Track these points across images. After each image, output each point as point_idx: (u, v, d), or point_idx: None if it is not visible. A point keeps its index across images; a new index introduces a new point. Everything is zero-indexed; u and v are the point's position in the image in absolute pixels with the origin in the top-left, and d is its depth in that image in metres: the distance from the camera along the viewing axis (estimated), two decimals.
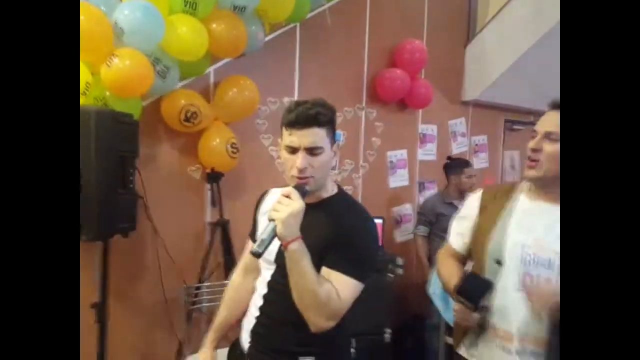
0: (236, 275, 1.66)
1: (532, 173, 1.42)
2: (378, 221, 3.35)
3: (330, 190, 1.41)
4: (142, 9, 2.13)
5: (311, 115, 1.27)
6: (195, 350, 2.65)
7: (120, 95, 2.23)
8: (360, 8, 3.48)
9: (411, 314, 3.65)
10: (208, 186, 2.77)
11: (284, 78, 3.11)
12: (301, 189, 1.27)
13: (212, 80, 2.78)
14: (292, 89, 3.14)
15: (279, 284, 1.32)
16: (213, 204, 2.77)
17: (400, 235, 3.92)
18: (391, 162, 3.81)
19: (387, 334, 3.12)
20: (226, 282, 2.78)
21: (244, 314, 1.53)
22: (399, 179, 3.88)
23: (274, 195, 1.50)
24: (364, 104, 3.55)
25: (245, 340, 1.46)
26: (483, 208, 1.55)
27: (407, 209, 3.96)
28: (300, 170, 1.28)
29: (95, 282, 2.30)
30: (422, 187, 4.09)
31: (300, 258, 1.21)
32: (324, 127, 1.29)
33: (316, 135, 1.28)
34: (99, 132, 1.99)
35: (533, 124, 4.51)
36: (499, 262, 1.43)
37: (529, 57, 3.81)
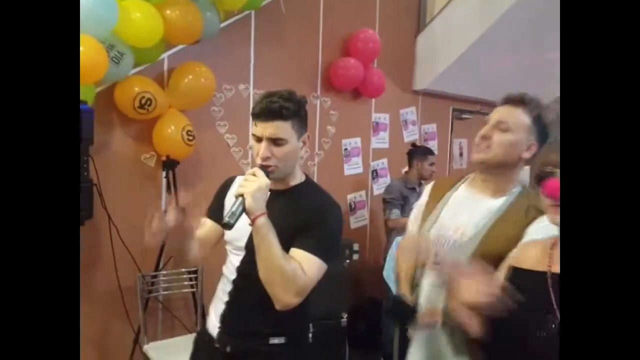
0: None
1: (480, 156, 1.46)
2: None
3: (299, 178, 1.48)
4: None
5: (274, 109, 1.34)
6: (152, 338, 2.66)
7: None
8: None
9: (366, 298, 3.77)
10: (163, 174, 2.75)
11: (240, 65, 3.11)
12: (265, 170, 1.34)
13: (166, 66, 2.74)
14: (247, 76, 3.15)
15: (249, 269, 1.36)
16: (169, 191, 2.75)
17: (355, 222, 4.02)
18: (346, 149, 3.89)
19: (344, 319, 3.21)
20: (183, 269, 2.79)
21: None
22: (353, 167, 3.97)
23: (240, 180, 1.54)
24: (318, 93, 3.60)
25: (214, 326, 1.48)
26: (430, 197, 1.62)
27: (361, 195, 4.07)
28: (263, 159, 1.36)
29: None
30: (375, 174, 4.21)
31: (267, 232, 1.27)
32: (288, 120, 1.36)
33: (278, 128, 1.35)
34: None
35: (480, 113, 4.67)
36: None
37: (477, 48, 3.95)
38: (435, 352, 1.44)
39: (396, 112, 4.32)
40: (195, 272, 2.79)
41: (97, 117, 2.28)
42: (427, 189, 1.69)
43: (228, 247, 1.50)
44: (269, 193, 1.32)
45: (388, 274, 3.02)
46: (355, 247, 3.29)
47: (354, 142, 3.96)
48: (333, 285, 3.10)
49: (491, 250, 1.36)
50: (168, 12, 2.41)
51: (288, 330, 1.44)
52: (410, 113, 4.46)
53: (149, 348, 2.56)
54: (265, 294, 1.31)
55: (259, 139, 1.38)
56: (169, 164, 2.69)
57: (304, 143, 1.44)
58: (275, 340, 1.42)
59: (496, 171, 1.47)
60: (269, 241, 1.27)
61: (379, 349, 3.44)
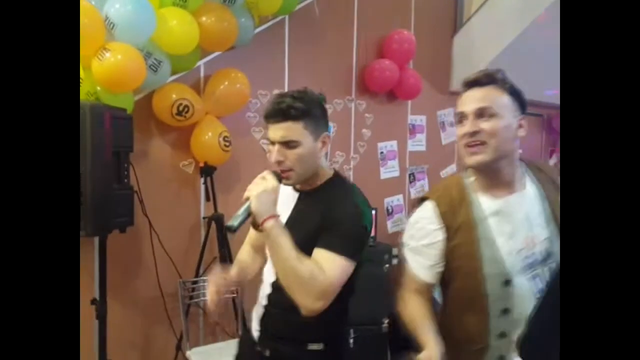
0: (243, 253, 1.63)
1: (478, 158, 1.25)
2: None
3: (325, 176, 1.41)
4: (133, 2, 2.12)
5: (282, 109, 1.29)
6: (194, 344, 2.67)
7: (112, 90, 2.22)
8: None
9: None
10: (201, 180, 2.77)
11: (274, 70, 3.11)
12: (278, 175, 1.32)
13: (202, 73, 2.77)
14: (282, 81, 3.15)
15: None
16: (207, 198, 2.77)
17: (393, 226, 3.95)
18: (382, 153, 3.83)
19: (385, 324, 3.15)
20: None
21: (249, 277, 1.57)
22: (389, 170, 3.91)
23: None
24: (353, 96, 3.57)
25: (255, 329, 1.47)
26: (449, 229, 1.32)
27: (398, 199, 4.00)
28: (277, 163, 1.32)
29: (93, 278, 2.29)
30: (412, 177, 4.13)
31: (277, 235, 1.22)
32: (300, 121, 1.29)
33: (289, 130, 1.29)
34: (93, 128, 1.97)
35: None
36: (507, 282, 1.26)
37: (515, 46, 3.85)
38: None
39: (433, 114, 4.23)
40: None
41: (136, 124, 2.32)
42: (429, 219, 1.34)
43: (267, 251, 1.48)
44: (278, 195, 1.29)
45: None
46: (394, 251, 3.23)
47: (390, 145, 3.90)
48: (373, 290, 3.08)
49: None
50: (204, 19, 2.43)
51: (326, 336, 1.39)
52: (447, 115, 4.37)
53: (192, 354, 2.56)
54: None
55: (272, 142, 1.33)
56: (207, 170, 2.71)
57: (324, 143, 1.36)
58: (313, 346, 1.38)
59: (500, 165, 1.28)
60: (280, 244, 1.22)
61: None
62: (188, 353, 2.57)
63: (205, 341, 2.83)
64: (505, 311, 1.27)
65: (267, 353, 1.42)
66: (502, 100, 1.26)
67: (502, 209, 1.29)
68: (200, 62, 2.72)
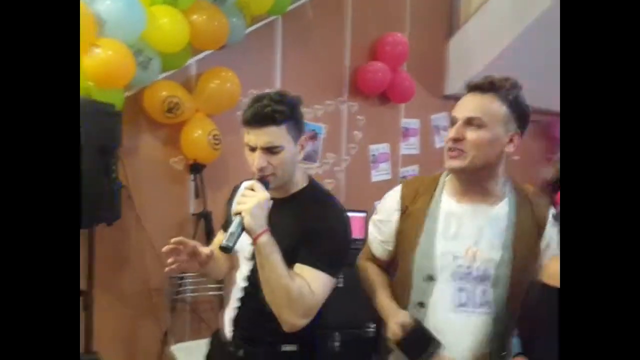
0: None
1: (455, 163, 1.26)
2: (361, 215, 3.40)
3: (300, 183, 1.38)
4: None
5: (266, 114, 1.23)
6: (179, 339, 2.69)
7: (102, 86, 2.24)
8: (342, 0, 3.50)
9: None
10: (191, 177, 2.80)
11: (266, 70, 3.13)
12: (264, 182, 1.28)
13: (194, 71, 2.80)
14: (273, 81, 3.17)
15: (258, 278, 1.31)
16: (196, 195, 2.79)
17: None
18: (373, 155, 3.84)
19: (371, 328, 3.13)
20: None
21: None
22: (381, 173, 3.91)
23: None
24: (345, 97, 3.59)
25: (228, 330, 1.45)
26: (404, 211, 1.37)
27: None
28: (259, 170, 1.27)
29: (81, 271, 2.31)
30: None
31: (270, 252, 1.20)
32: (283, 125, 1.25)
33: (273, 134, 1.25)
34: (81, 122, 1.99)
35: None
36: (430, 278, 1.29)
37: (511, 51, 3.85)
38: None
39: (427, 117, 4.25)
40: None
41: (126, 121, 2.35)
42: (392, 199, 1.42)
43: (239, 255, 1.45)
44: (270, 204, 1.24)
45: None
46: None
47: (382, 148, 3.91)
48: (359, 293, 3.06)
49: (522, 271, 1.26)
50: (195, 17, 2.47)
51: (300, 337, 1.35)
52: (441, 118, 4.37)
53: (175, 349, 2.59)
54: None
55: (252, 148, 1.28)
56: (196, 168, 2.74)
57: (302, 147, 1.33)
58: (287, 348, 1.36)
59: (478, 175, 1.28)
60: (273, 261, 1.20)
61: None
62: (172, 348, 2.59)
63: (190, 337, 2.84)
64: (421, 305, 1.31)
65: (241, 353, 1.41)
66: (496, 112, 1.24)
67: (457, 213, 1.31)
68: (192, 60, 2.74)
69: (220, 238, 1.56)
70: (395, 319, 1.28)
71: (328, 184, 3.52)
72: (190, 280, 2.76)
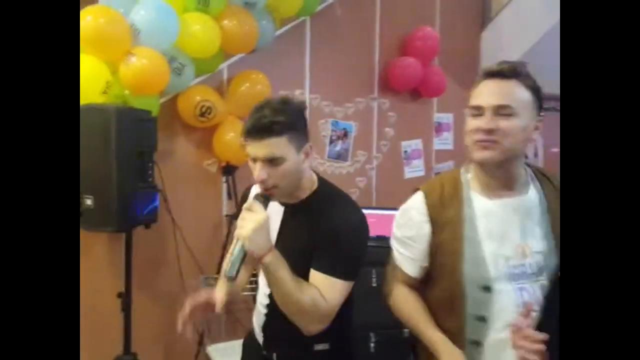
0: None
1: (488, 154, 1.18)
2: (393, 212, 3.37)
3: (309, 187, 1.35)
4: (157, 9, 2.20)
5: (265, 125, 1.19)
6: (214, 340, 2.75)
7: (138, 93, 2.31)
8: None
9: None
10: (223, 179, 2.85)
11: (295, 71, 3.15)
12: (264, 197, 1.25)
13: (225, 76, 2.84)
14: (303, 81, 3.19)
15: None
16: (229, 196, 2.85)
17: None
18: (405, 152, 3.81)
19: (407, 329, 3.11)
20: None
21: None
22: (414, 170, 3.88)
23: (256, 190, 1.43)
24: (376, 94, 3.57)
25: (259, 335, 1.47)
26: (435, 223, 1.27)
27: None
28: (261, 182, 1.24)
29: (120, 273, 2.40)
30: None
31: (276, 269, 1.19)
32: (283, 135, 1.21)
33: (272, 146, 1.20)
34: (118, 129, 2.07)
35: (554, 109, 4.43)
36: (487, 288, 1.21)
37: (546, 41, 3.75)
38: None
39: (461, 111, 4.16)
40: (255, 275, 2.85)
41: (161, 126, 2.41)
42: (417, 211, 1.30)
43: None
44: (270, 225, 1.22)
45: None
46: None
47: (415, 144, 3.87)
48: None
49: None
50: (226, 22, 2.50)
51: (331, 335, 1.36)
52: None
53: (212, 350, 2.65)
54: None
55: (254, 159, 1.24)
56: (228, 170, 2.79)
57: (307, 155, 1.28)
58: (319, 347, 1.37)
59: (509, 165, 1.22)
60: (281, 278, 1.20)
61: None
62: (208, 349, 2.65)
63: (226, 338, 2.91)
64: (481, 319, 1.21)
65: (274, 357, 1.43)
66: (523, 98, 1.19)
67: (495, 211, 1.23)
68: (224, 65, 2.79)
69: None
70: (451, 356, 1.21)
71: (359, 182, 3.52)
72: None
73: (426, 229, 1.29)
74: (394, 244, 1.38)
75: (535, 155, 4.99)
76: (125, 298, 2.33)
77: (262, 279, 1.43)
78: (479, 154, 1.19)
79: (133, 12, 2.21)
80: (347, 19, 3.29)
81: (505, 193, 1.25)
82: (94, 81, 2.13)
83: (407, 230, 1.33)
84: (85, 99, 2.10)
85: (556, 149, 4.73)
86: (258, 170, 1.22)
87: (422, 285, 1.36)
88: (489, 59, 4.18)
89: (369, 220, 3.61)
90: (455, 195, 1.28)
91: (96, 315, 2.45)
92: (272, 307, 1.37)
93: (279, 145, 1.20)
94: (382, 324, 3.00)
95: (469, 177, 1.30)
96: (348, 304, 1.35)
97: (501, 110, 1.17)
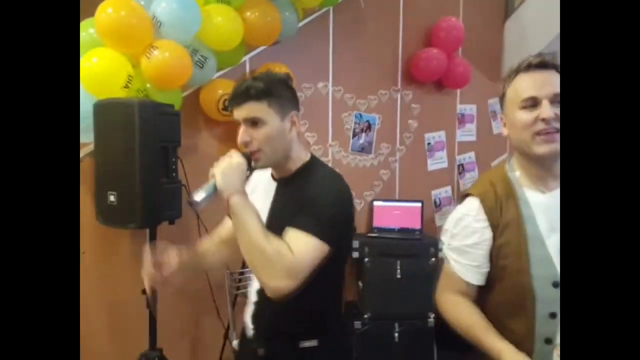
0: (208, 241, 1.60)
1: (552, 147, 1.15)
2: (416, 205, 3.35)
3: (301, 160, 1.37)
4: (178, 0, 2.17)
5: (241, 91, 1.28)
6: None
7: (160, 87, 2.28)
8: None
9: None
10: (247, 173, 2.81)
11: (318, 63, 3.11)
12: (247, 157, 1.30)
13: (247, 68, 2.81)
14: (326, 73, 3.14)
15: None
16: None
17: (440, 219, 3.86)
18: (429, 144, 3.75)
19: (431, 319, 3.11)
20: None
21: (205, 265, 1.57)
22: (437, 162, 3.82)
23: (257, 175, 1.48)
24: (399, 86, 3.50)
25: (249, 327, 1.43)
26: (495, 227, 1.25)
27: (447, 191, 3.90)
28: (243, 144, 1.29)
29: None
30: (461, 169, 4.02)
31: (242, 212, 1.19)
32: (262, 100, 1.27)
33: (252, 109, 1.27)
34: (142, 124, 2.04)
35: None
36: (556, 284, 1.18)
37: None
38: None
39: (484, 102, 4.09)
40: (244, 265, 2.83)
41: (184, 120, 2.38)
42: (474, 216, 1.27)
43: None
44: (247, 173, 1.28)
45: None
46: (441, 245, 3.15)
47: (438, 136, 3.81)
48: (419, 283, 3.04)
49: None
50: (248, 14, 2.46)
51: (319, 331, 1.33)
52: (499, 103, 4.20)
53: (237, 344, 2.62)
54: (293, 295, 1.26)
55: (238, 125, 1.32)
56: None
57: (293, 123, 1.33)
58: (306, 344, 1.33)
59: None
60: (246, 221, 1.18)
61: (469, 350, 3.27)
62: (235, 342, 2.63)
63: None
64: (553, 315, 1.19)
65: (261, 352, 1.38)
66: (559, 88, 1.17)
67: (551, 204, 1.20)
68: (246, 57, 2.76)
69: (224, 225, 1.56)
70: None
71: (383, 175, 3.47)
72: (249, 275, 2.79)
73: (487, 234, 1.25)
74: (450, 254, 1.32)
75: None
76: (151, 294, 2.30)
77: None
78: (542, 148, 1.17)
79: (154, 4, 2.18)
80: (370, 10, 3.23)
81: (555, 184, 1.22)
82: (116, 75, 2.11)
83: (465, 238, 1.28)
84: (106, 94, 2.08)
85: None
86: (241, 132, 1.29)
87: (480, 291, 1.31)
88: (512, 50, 4.09)
89: (393, 213, 3.59)
90: (510, 195, 1.25)
91: (121, 311, 2.45)
92: (263, 294, 1.33)
93: (258, 108, 1.27)
94: (406, 314, 3.03)
95: (517, 175, 1.27)
96: (336, 300, 1.34)
97: (556, 99, 1.15)
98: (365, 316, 3.05)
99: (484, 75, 4.00)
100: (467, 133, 4.02)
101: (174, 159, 2.30)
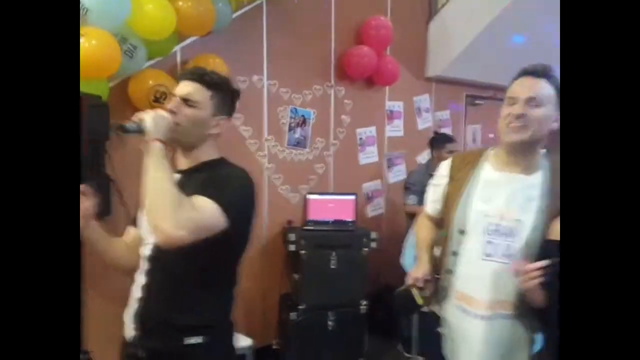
0: (117, 238, 1.58)
1: (518, 136, 1.43)
2: (350, 197, 3.42)
3: (211, 155, 1.40)
4: None
5: (199, 72, 1.36)
6: None
7: (86, 77, 2.14)
8: None
9: (384, 285, 3.74)
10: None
11: (253, 56, 3.07)
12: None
13: (179, 59, 2.71)
14: (261, 67, 3.11)
15: (160, 259, 1.32)
16: None
17: (372, 210, 3.98)
18: (361, 139, 3.84)
19: (363, 306, 3.21)
20: None
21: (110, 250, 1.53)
22: (368, 156, 3.93)
23: None
24: (332, 82, 3.55)
25: (130, 329, 1.38)
26: (452, 177, 1.61)
27: (376, 185, 4.02)
28: (170, 111, 1.32)
29: None
30: (390, 163, 4.15)
31: (160, 160, 1.22)
32: (210, 89, 1.34)
33: (197, 91, 1.34)
34: None
35: (494, 98, 4.59)
36: (461, 232, 1.52)
37: (489, 32, 3.88)
38: (502, 342, 1.48)
39: (410, 99, 4.26)
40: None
41: (111, 112, 2.25)
42: (444, 167, 1.67)
43: (141, 248, 1.42)
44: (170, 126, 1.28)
45: (408, 261, 3.00)
46: (373, 235, 3.26)
47: (369, 131, 3.91)
48: (352, 272, 3.13)
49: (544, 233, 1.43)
50: (180, 3, 2.38)
51: (204, 327, 1.31)
52: (423, 100, 4.40)
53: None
54: (179, 276, 1.29)
55: (174, 96, 1.36)
56: None
57: (218, 125, 1.37)
58: (191, 340, 1.29)
59: (530, 148, 1.47)
60: (161, 166, 1.21)
61: (397, 335, 3.48)
62: None
63: None
64: (454, 253, 1.54)
65: (142, 354, 1.34)
66: (548, 94, 1.42)
67: (494, 180, 1.51)
68: (177, 48, 2.66)
69: (129, 232, 1.56)
70: (414, 271, 1.60)
71: (318, 169, 3.51)
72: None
73: (444, 181, 1.63)
74: (429, 188, 1.74)
75: (474, 141, 5.20)
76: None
77: (141, 265, 1.40)
78: (510, 136, 1.44)
79: None
80: (303, 5, 3.24)
81: (514, 170, 1.49)
82: None
83: (435, 180, 1.70)
84: None
85: (492, 135, 4.93)
86: (173, 102, 1.33)
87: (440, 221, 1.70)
88: (434, 49, 4.28)
89: (328, 205, 3.65)
90: (473, 162, 1.57)
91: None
92: (148, 283, 1.37)
93: (202, 94, 1.34)
94: (340, 303, 3.12)
95: (491, 152, 1.58)
96: (225, 298, 1.38)
97: (530, 102, 1.41)
98: (300, 307, 3.08)
99: (410, 73, 4.17)
100: (395, 129, 4.17)
101: (102, 154, 2.19)
